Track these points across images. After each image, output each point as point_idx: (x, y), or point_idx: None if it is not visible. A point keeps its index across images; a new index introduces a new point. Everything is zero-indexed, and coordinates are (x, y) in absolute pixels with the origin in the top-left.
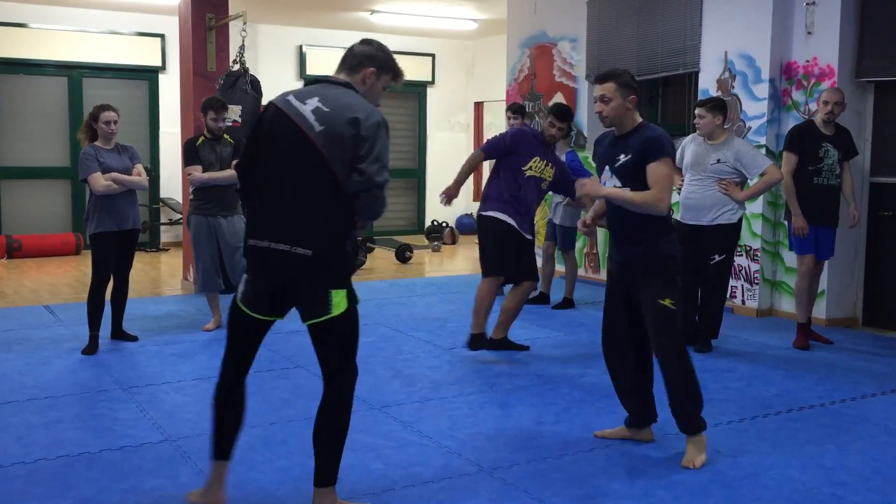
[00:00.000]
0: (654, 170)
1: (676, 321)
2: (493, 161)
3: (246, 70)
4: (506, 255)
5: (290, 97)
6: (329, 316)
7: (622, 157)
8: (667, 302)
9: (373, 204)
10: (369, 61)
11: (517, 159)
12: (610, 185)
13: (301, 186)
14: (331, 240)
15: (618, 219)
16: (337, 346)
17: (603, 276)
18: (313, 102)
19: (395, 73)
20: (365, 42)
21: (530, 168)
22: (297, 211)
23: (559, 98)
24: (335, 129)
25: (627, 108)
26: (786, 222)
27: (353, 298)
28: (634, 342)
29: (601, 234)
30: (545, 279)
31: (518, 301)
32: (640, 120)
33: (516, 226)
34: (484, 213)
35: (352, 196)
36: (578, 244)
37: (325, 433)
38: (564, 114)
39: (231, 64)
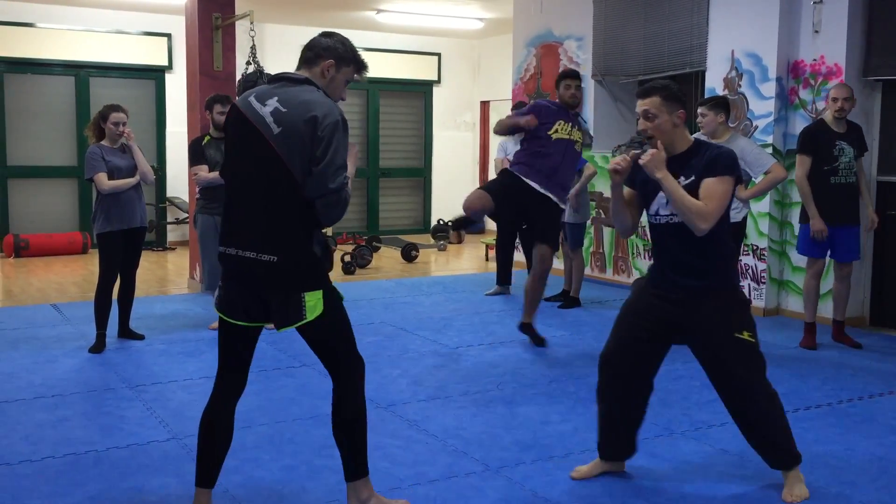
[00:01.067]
0: (713, 185)
1: (759, 354)
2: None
3: (261, 70)
4: (494, 189)
5: (251, 98)
6: (304, 321)
7: (682, 180)
8: (746, 335)
9: (331, 210)
10: (327, 53)
11: (542, 127)
12: (665, 212)
13: (263, 191)
14: (296, 244)
15: (673, 245)
16: (328, 346)
17: (609, 275)
18: (272, 103)
19: (358, 64)
20: (325, 34)
21: (556, 131)
22: (260, 217)
23: None
24: (292, 130)
25: (675, 124)
26: (799, 224)
27: (332, 298)
28: (648, 377)
29: (607, 233)
30: (566, 276)
31: (534, 282)
32: (692, 138)
33: (534, 185)
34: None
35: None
36: (584, 243)
37: (343, 429)
38: (574, 73)
39: (245, 66)
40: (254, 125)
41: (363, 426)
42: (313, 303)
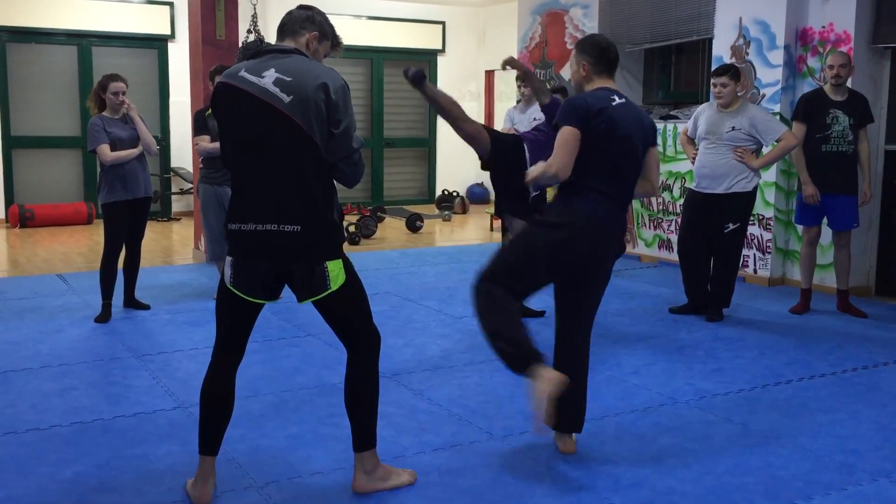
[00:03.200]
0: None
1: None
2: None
3: (262, 39)
4: (499, 138)
5: (243, 73)
6: (329, 291)
7: None
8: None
9: (355, 169)
10: (311, 25)
11: None
12: None
13: (282, 162)
14: (318, 212)
15: None
16: (348, 316)
17: None
18: (271, 74)
19: (335, 41)
20: (303, 7)
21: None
22: (280, 188)
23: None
24: (305, 97)
25: (582, 75)
26: (798, 192)
27: (350, 267)
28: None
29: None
30: None
31: None
32: (593, 87)
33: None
34: None
35: (331, 164)
36: None
37: (356, 399)
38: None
39: (246, 34)
40: (258, 98)
41: (375, 399)
42: (336, 272)
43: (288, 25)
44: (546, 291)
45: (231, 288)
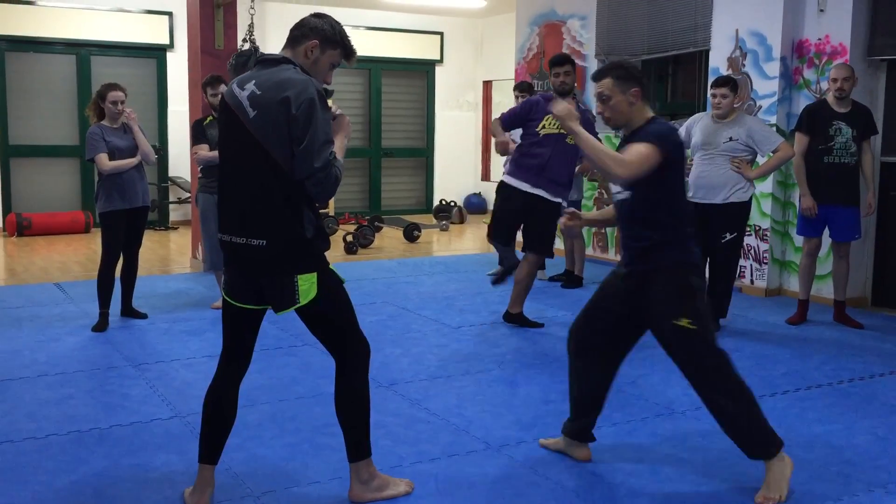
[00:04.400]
0: (633, 146)
1: (703, 342)
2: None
3: (256, 49)
4: (500, 221)
5: (234, 85)
6: (298, 305)
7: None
8: (685, 322)
9: (321, 188)
10: (313, 33)
11: (531, 124)
12: (615, 190)
13: (247, 176)
14: (284, 226)
15: (621, 225)
16: (327, 329)
17: (612, 255)
18: (250, 87)
19: (346, 49)
20: (315, 15)
21: (543, 126)
22: (247, 202)
23: None
24: (268, 112)
25: (631, 102)
26: (797, 203)
27: (329, 280)
28: (608, 354)
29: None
30: (567, 256)
31: (528, 272)
32: (650, 114)
33: (524, 188)
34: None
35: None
36: None
37: (345, 409)
38: (559, 60)
39: (241, 43)
40: (233, 111)
41: (366, 409)
42: (307, 287)
43: (292, 32)
44: (545, 300)
45: (223, 294)
